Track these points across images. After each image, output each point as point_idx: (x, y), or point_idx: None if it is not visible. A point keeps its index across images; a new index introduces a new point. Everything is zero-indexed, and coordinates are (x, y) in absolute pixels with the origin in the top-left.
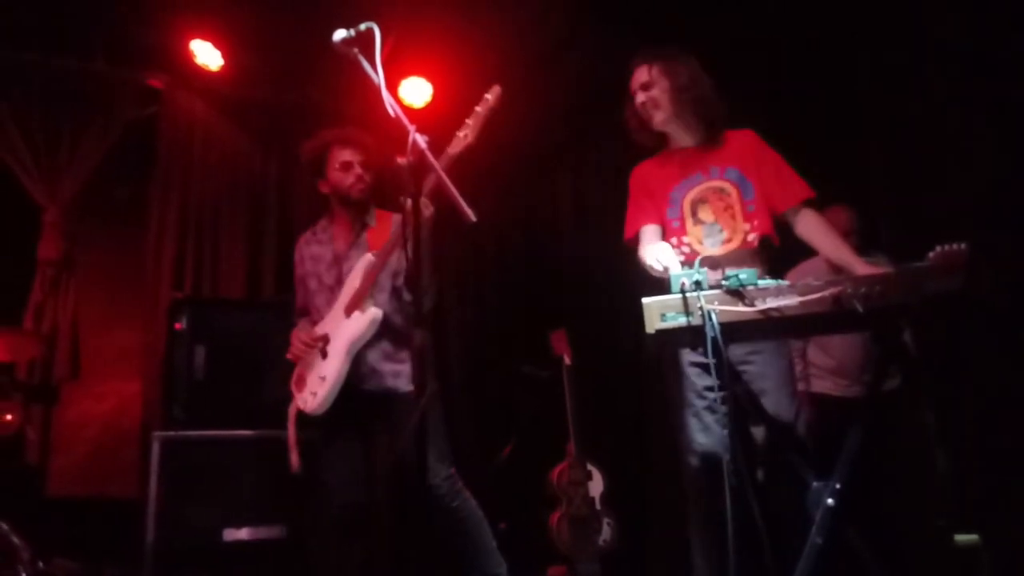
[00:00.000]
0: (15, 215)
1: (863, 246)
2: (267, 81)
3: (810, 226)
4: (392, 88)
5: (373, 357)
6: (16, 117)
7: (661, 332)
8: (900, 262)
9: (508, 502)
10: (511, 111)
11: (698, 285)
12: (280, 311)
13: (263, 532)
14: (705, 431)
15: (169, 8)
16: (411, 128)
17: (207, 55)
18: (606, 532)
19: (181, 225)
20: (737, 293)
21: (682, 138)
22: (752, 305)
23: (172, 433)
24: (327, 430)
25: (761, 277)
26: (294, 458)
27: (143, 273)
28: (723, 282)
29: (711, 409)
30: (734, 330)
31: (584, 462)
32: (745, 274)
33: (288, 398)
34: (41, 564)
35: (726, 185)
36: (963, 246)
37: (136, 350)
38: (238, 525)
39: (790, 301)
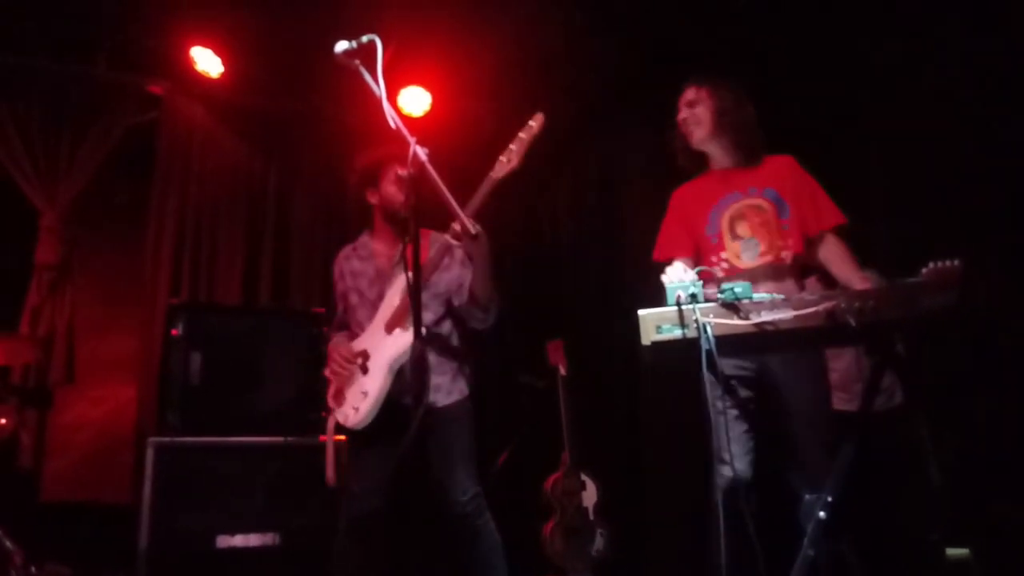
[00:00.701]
0: (13, 219)
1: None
2: (267, 88)
3: (830, 252)
4: (391, 97)
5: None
6: (16, 121)
7: (656, 344)
8: (894, 278)
9: (502, 511)
10: (508, 121)
11: (693, 298)
12: (277, 318)
13: (257, 539)
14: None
15: (170, 14)
16: (411, 140)
17: (207, 62)
18: (599, 542)
19: (179, 231)
20: (732, 306)
21: (721, 159)
22: (747, 318)
23: (167, 439)
24: (359, 438)
25: (793, 293)
26: (330, 472)
27: (140, 278)
28: (718, 295)
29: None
30: (729, 343)
31: (578, 472)
32: (740, 287)
33: (282, 406)
34: (34, 569)
35: (763, 203)
36: (957, 262)
37: (132, 355)
38: (232, 532)
39: (784, 315)
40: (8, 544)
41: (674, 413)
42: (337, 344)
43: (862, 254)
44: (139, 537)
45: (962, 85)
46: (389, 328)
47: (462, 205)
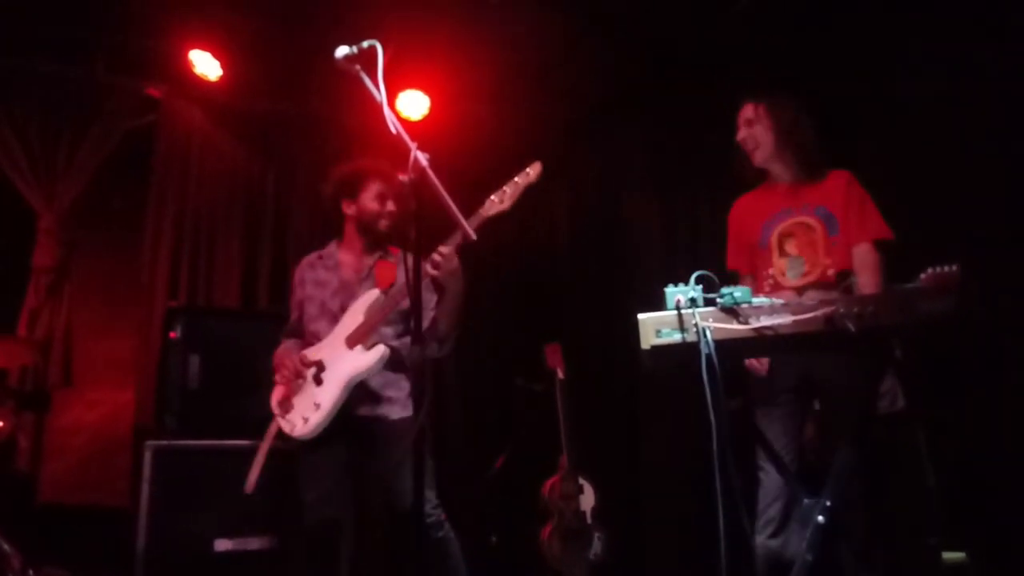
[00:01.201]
0: (11, 222)
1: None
2: (265, 92)
3: (862, 261)
4: (389, 101)
5: (373, 384)
6: (14, 123)
7: (656, 348)
8: (892, 283)
9: (499, 515)
10: (507, 124)
11: (693, 302)
12: (275, 322)
13: (254, 542)
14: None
15: (168, 17)
16: (412, 145)
17: (206, 65)
18: (597, 546)
19: (177, 234)
20: (731, 311)
21: (781, 175)
22: (746, 323)
23: (164, 442)
24: (308, 447)
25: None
26: (253, 478)
27: (138, 281)
28: (718, 299)
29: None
30: (728, 347)
31: (576, 476)
32: (740, 292)
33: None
34: (31, 572)
35: (812, 221)
36: (955, 268)
37: (129, 358)
38: (229, 535)
39: (783, 320)
40: (5, 547)
41: (673, 417)
42: (288, 350)
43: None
44: (137, 540)
45: (960, 87)
46: (351, 343)
47: (464, 210)
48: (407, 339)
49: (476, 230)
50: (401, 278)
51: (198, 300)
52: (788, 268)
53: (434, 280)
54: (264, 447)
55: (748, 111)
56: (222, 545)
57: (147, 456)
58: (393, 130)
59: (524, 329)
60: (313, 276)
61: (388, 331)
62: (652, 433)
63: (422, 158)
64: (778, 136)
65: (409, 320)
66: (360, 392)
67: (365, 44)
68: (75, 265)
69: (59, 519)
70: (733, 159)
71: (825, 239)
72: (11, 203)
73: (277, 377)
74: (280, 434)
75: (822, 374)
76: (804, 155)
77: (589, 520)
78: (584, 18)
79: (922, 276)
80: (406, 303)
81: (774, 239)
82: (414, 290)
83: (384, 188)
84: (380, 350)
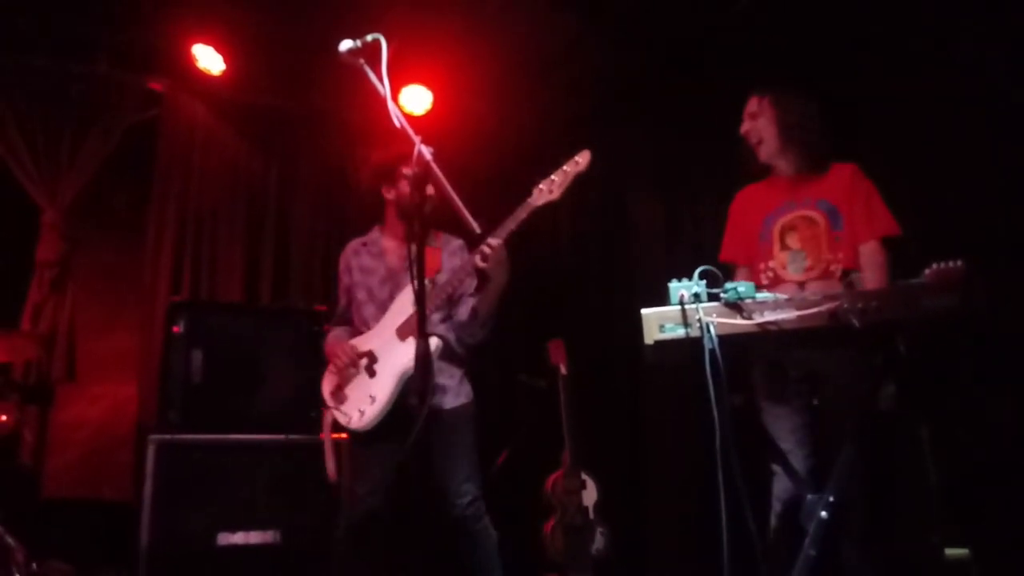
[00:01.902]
0: (14, 216)
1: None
2: (268, 86)
3: (867, 259)
4: (393, 96)
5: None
6: (17, 118)
7: (659, 343)
8: (897, 278)
9: (502, 510)
10: (510, 120)
11: (697, 297)
12: (277, 317)
13: (257, 537)
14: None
15: (171, 11)
16: (416, 139)
17: (209, 59)
18: (599, 541)
19: (180, 228)
20: (735, 306)
21: (785, 168)
22: (750, 318)
23: (168, 436)
24: (361, 439)
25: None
26: (331, 467)
27: (141, 276)
28: (722, 294)
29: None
30: (732, 343)
31: (578, 471)
32: (743, 287)
33: (283, 404)
34: (35, 565)
35: (815, 215)
36: (959, 263)
37: (133, 353)
38: (232, 529)
39: (788, 315)
40: (10, 541)
41: (675, 412)
42: (339, 339)
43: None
44: (140, 534)
45: (963, 85)
46: (402, 334)
47: (467, 204)
48: (451, 324)
49: (526, 220)
50: (446, 264)
51: (201, 295)
52: (789, 262)
53: (480, 270)
54: (327, 437)
55: (752, 104)
56: (225, 539)
57: (150, 451)
58: (397, 124)
59: (527, 325)
60: (359, 263)
61: (436, 318)
62: (655, 429)
63: (426, 152)
64: (781, 130)
65: (456, 306)
66: (412, 382)
67: (369, 38)
68: (78, 260)
69: (63, 513)
70: (739, 151)
71: (828, 233)
72: (15, 198)
73: (331, 366)
74: (335, 424)
75: (824, 369)
76: (808, 149)
77: (592, 515)
78: (587, 16)
79: (927, 272)
80: (452, 290)
81: (776, 232)
82: (417, 282)
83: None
84: (435, 342)
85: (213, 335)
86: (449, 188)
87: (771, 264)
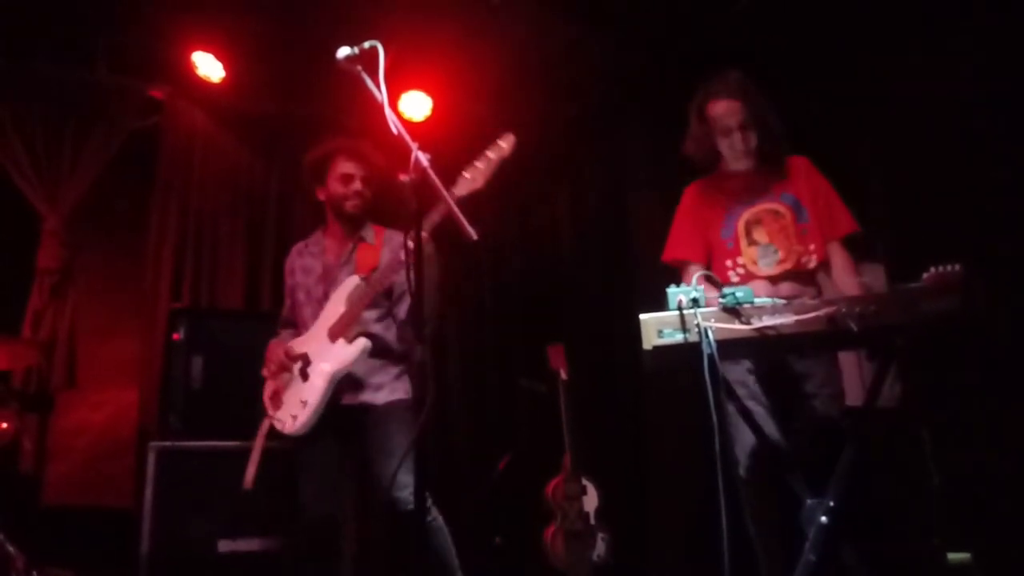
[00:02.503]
0: (15, 223)
1: (859, 257)
2: (268, 93)
3: (834, 260)
4: (392, 102)
5: (357, 372)
6: (18, 125)
7: (658, 348)
8: (896, 282)
9: (503, 516)
10: (509, 126)
11: (695, 302)
12: (278, 323)
13: (258, 543)
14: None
15: (171, 19)
16: (413, 146)
17: (209, 67)
18: (600, 547)
19: (180, 235)
20: (734, 311)
21: (739, 161)
22: (748, 323)
23: (168, 443)
24: (302, 443)
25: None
26: (250, 474)
27: (142, 282)
28: (720, 299)
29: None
30: (730, 347)
31: (579, 477)
32: (742, 292)
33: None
34: (36, 573)
35: (780, 208)
36: (958, 267)
37: (133, 359)
38: (233, 536)
39: (786, 320)
40: (10, 548)
41: (676, 417)
42: (278, 343)
43: (863, 254)
44: (141, 541)
45: (962, 87)
46: (333, 335)
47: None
48: (388, 322)
49: (445, 210)
50: (384, 260)
51: (201, 301)
52: (760, 256)
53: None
54: (258, 444)
55: (721, 105)
56: (226, 546)
57: (151, 457)
58: (395, 131)
59: (527, 330)
60: (301, 263)
61: (370, 316)
62: (656, 434)
63: (423, 159)
64: (748, 131)
65: (393, 303)
66: (345, 381)
67: (366, 45)
68: (79, 267)
69: (63, 521)
70: (684, 145)
71: (795, 226)
72: (15, 205)
73: (264, 371)
74: (273, 431)
75: (801, 368)
76: (765, 142)
77: (593, 521)
78: (585, 18)
79: (925, 276)
80: (389, 284)
81: (740, 227)
82: (416, 288)
83: (351, 167)
84: (361, 343)
85: (214, 341)
86: (446, 194)
87: (740, 260)
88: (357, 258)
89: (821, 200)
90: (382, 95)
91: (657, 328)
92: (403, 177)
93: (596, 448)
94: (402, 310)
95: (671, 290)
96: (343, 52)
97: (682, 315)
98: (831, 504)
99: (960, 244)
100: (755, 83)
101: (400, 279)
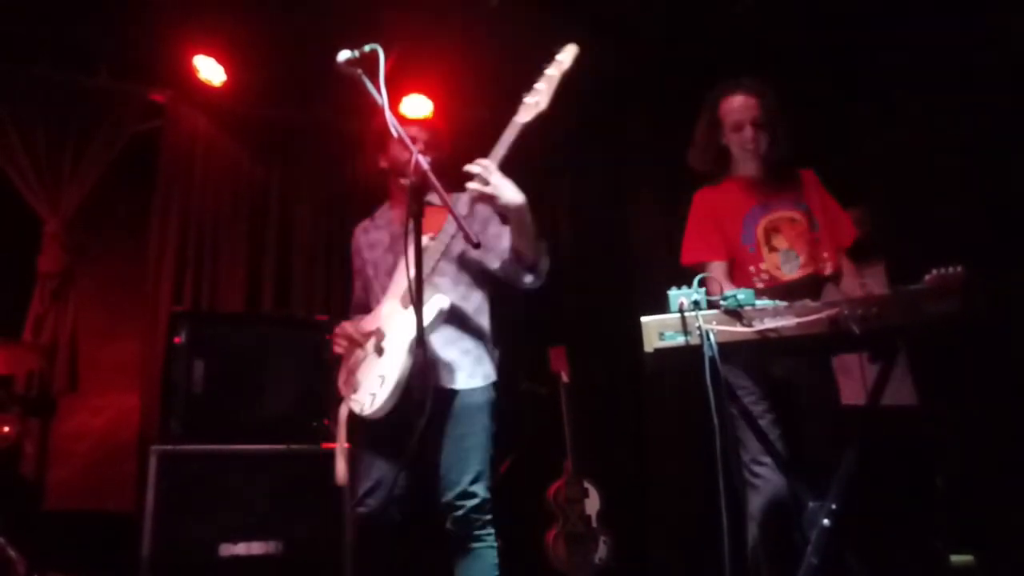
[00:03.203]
0: (16, 227)
1: (863, 255)
2: (269, 97)
3: (845, 270)
4: (393, 105)
5: (434, 346)
6: (19, 129)
7: (659, 351)
8: (897, 284)
9: (504, 519)
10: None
11: (696, 305)
12: (279, 326)
13: (259, 547)
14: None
15: (173, 23)
16: (414, 149)
17: (210, 70)
18: (602, 550)
19: (181, 239)
20: (735, 313)
21: (748, 164)
22: (750, 326)
23: (170, 447)
24: (368, 431)
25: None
26: (341, 467)
27: (143, 286)
28: (721, 302)
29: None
30: (732, 350)
31: (581, 479)
32: (743, 294)
33: (285, 414)
34: None
35: (796, 215)
36: (959, 269)
37: (135, 363)
38: (235, 540)
39: (787, 322)
40: (11, 553)
41: (678, 420)
42: (345, 323)
43: (863, 256)
44: (142, 545)
45: (960, 91)
46: (405, 302)
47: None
48: (477, 294)
49: (517, 140)
50: (452, 222)
51: (202, 305)
52: (783, 262)
53: (484, 199)
54: (341, 435)
55: (735, 101)
56: (227, 550)
57: (152, 461)
58: (395, 134)
59: (528, 332)
60: (367, 240)
61: (444, 282)
62: (658, 437)
63: (423, 162)
64: (762, 132)
65: (470, 267)
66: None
67: (367, 48)
68: (80, 270)
69: (64, 525)
70: (692, 148)
71: (809, 233)
72: (16, 209)
73: (335, 350)
74: (353, 417)
75: (798, 375)
76: (777, 148)
77: (594, 524)
78: (585, 19)
79: (927, 277)
80: (459, 247)
81: (760, 234)
82: (415, 287)
83: (412, 131)
84: (436, 300)
85: (215, 345)
86: (447, 198)
87: (763, 266)
88: (424, 221)
89: (831, 211)
90: (383, 98)
91: (658, 330)
92: (403, 181)
93: (597, 451)
94: (493, 261)
95: (672, 292)
96: (343, 55)
97: (683, 317)
98: (833, 507)
99: (962, 246)
100: (773, 89)
101: (472, 229)
